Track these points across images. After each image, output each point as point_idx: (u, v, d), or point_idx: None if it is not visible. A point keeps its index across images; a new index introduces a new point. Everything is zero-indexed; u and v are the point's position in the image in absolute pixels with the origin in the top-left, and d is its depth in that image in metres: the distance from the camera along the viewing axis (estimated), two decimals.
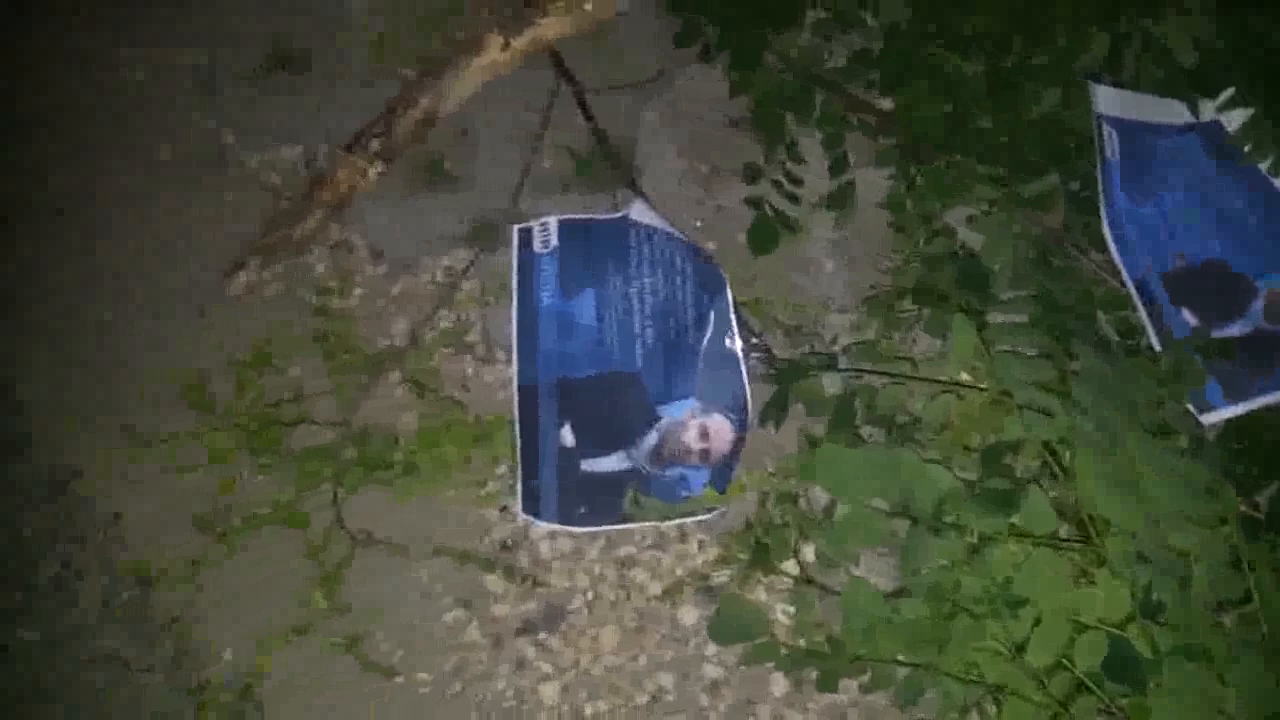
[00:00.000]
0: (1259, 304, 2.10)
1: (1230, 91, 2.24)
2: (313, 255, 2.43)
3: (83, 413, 2.28)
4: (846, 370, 2.07)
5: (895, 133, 2.39)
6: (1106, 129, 2.17)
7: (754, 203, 2.35)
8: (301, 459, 2.16)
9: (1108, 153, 2.16)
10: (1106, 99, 2.19)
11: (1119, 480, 1.59)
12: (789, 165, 2.39)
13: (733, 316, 2.13)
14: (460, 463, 2.17)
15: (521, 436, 2.13)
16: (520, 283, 2.26)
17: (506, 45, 2.46)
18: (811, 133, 2.43)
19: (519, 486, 2.13)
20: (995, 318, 1.95)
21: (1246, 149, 2.21)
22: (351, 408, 2.23)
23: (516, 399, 2.15)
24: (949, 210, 2.28)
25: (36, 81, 2.62)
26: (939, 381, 1.95)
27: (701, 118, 2.58)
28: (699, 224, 2.45)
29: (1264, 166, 2.19)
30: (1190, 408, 1.99)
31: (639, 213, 2.27)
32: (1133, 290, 2.10)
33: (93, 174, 2.53)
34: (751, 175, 2.38)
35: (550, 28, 2.50)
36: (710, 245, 2.39)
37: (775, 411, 2.07)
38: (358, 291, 2.40)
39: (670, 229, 2.24)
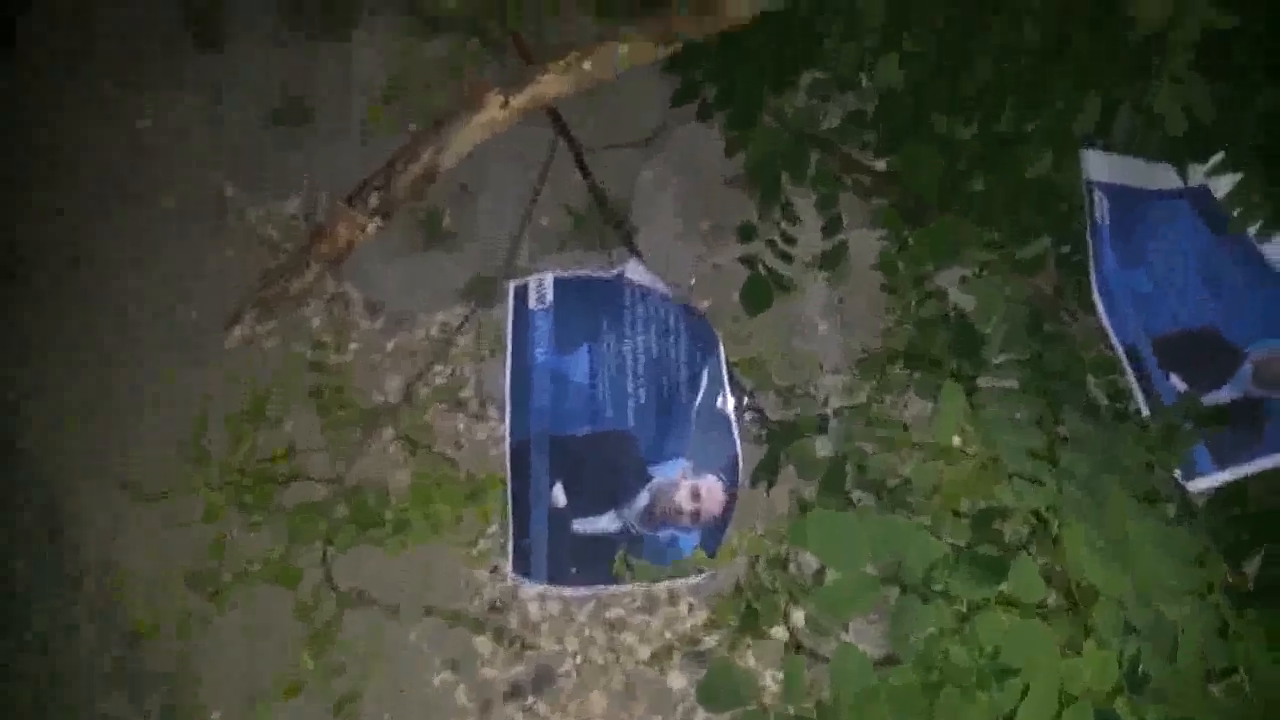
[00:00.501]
0: (1247, 369, 2.10)
1: (1219, 156, 2.26)
2: (309, 308, 2.45)
3: (79, 461, 2.30)
4: (838, 433, 2.08)
5: (889, 193, 2.41)
6: (1097, 194, 2.18)
7: (748, 261, 2.37)
8: (294, 516, 2.17)
9: (1097, 217, 2.17)
10: (1096, 164, 2.20)
11: (1107, 549, 1.59)
12: (783, 224, 2.41)
13: (725, 376, 2.14)
14: (452, 521, 2.18)
15: (513, 496, 2.13)
16: (515, 339, 2.26)
17: (506, 103, 2.47)
18: (807, 192, 2.45)
19: (510, 546, 2.13)
20: (986, 382, 1.96)
21: (1235, 214, 2.22)
22: (345, 464, 2.24)
23: (509, 457, 2.16)
24: (941, 271, 2.30)
25: (41, 124, 2.65)
26: (930, 446, 1.96)
27: (698, 176, 2.61)
28: (694, 282, 2.47)
29: (1251, 232, 2.20)
30: (1179, 474, 1.99)
31: (634, 271, 2.29)
32: (1122, 354, 2.11)
33: (95, 222, 2.56)
34: (746, 234, 2.40)
35: (550, 86, 2.51)
36: (705, 303, 2.41)
37: (767, 473, 2.08)
38: (353, 346, 2.41)
39: (665, 288, 2.26)
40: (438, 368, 2.37)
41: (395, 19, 2.72)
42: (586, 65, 2.54)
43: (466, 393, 2.35)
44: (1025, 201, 2.26)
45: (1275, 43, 2.19)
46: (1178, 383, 2.10)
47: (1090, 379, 2.16)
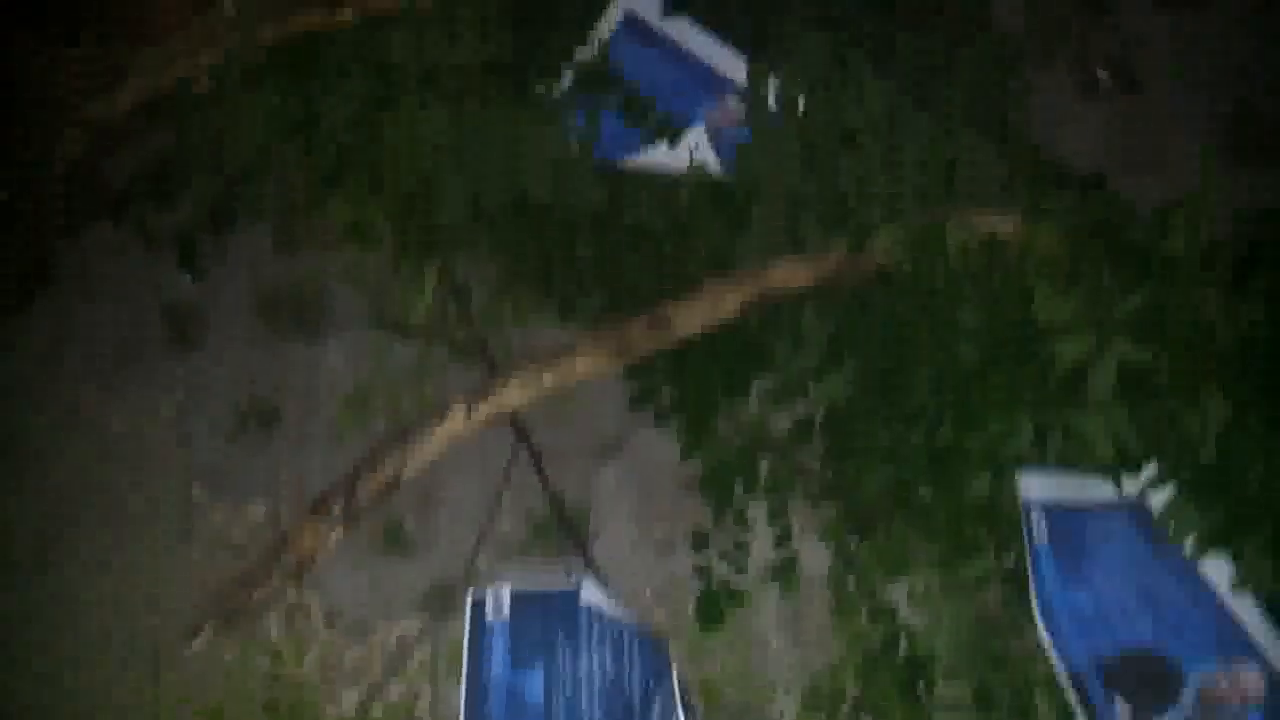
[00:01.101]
0: (1190, 693, 2.12)
1: (1150, 473, 2.33)
2: (269, 617, 2.46)
3: None
4: None
5: (837, 502, 2.49)
6: (1035, 514, 2.24)
7: (701, 572, 2.41)
8: None
9: (1036, 537, 2.23)
10: (1034, 484, 2.27)
11: None
12: (736, 533, 2.47)
13: (679, 700, 2.14)
14: None
15: None
16: (471, 656, 2.26)
17: (470, 413, 2.57)
18: (761, 499, 2.52)
19: None
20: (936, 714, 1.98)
21: (1170, 531, 2.28)
22: None
23: None
24: (891, 581, 2.35)
25: (10, 426, 2.71)
26: None
27: (655, 481, 2.69)
28: (650, 592, 2.51)
29: (1185, 550, 2.25)
30: None
31: (589, 592, 2.32)
32: (1065, 677, 2.13)
33: (62, 526, 2.58)
34: (699, 543, 2.46)
35: (512, 396, 2.61)
36: (661, 615, 2.44)
37: None
38: (310, 656, 2.42)
39: (619, 610, 2.29)
40: (393, 683, 2.37)
41: (365, 324, 2.85)
42: (548, 377, 2.66)
43: (420, 710, 2.34)
44: (967, 518, 2.33)
45: (1192, 371, 2.31)
46: (1121, 708, 2.11)
47: (1038, 697, 2.18)
